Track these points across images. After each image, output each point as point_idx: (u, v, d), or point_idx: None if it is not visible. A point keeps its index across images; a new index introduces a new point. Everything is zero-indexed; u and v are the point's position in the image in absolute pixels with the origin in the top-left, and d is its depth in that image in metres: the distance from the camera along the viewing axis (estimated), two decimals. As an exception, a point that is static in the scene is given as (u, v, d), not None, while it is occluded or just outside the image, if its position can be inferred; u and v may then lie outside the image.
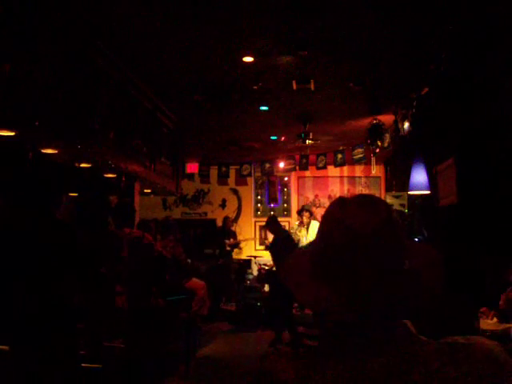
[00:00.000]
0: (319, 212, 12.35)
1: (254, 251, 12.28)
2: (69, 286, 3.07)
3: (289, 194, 12.83)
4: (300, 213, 10.61)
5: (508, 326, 3.92)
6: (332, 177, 12.45)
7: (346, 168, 11.79)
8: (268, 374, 1.03)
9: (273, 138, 9.66)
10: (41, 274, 2.92)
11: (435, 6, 4.37)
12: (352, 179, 12.58)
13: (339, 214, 1.04)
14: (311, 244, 1.16)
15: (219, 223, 11.94)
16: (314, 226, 10.19)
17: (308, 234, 10.06)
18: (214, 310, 9.58)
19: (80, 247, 3.17)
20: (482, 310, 4.17)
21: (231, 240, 10.96)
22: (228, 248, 10.80)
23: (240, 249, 11.30)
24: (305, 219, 10.20)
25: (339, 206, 1.06)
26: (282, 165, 11.13)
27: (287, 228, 11.90)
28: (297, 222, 10.77)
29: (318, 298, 1.03)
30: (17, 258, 2.95)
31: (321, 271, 1.04)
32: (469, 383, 0.94)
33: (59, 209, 3.32)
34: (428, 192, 6.51)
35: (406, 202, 8.50)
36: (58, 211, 3.28)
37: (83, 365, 3.23)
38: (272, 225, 8.12)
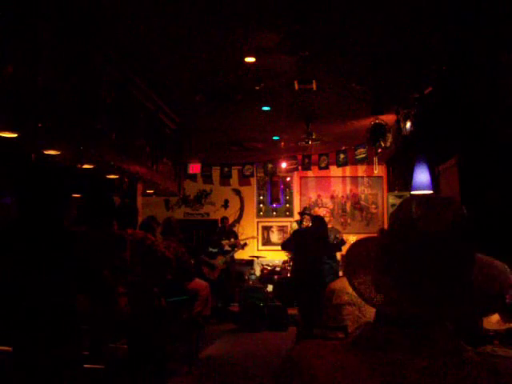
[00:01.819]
0: (321, 212, 12.31)
1: (257, 251, 12.28)
2: (71, 287, 3.07)
3: (291, 195, 12.82)
4: (302, 215, 10.57)
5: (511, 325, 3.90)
6: (334, 177, 12.44)
7: (348, 168, 11.77)
8: (300, 363, 1.02)
9: (275, 138, 9.66)
10: (43, 276, 2.93)
11: (438, 7, 4.37)
12: (354, 179, 12.56)
13: (412, 213, 1.03)
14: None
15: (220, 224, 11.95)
16: None
17: None
18: (221, 311, 9.60)
19: (82, 250, 3.17)
20: None
21: (231, 240, 10.96)
22: (228, 248, 10.80)
23: (243, 249, 11.28)
24: (305, 222, 10.18)
25: (413, 204, 1.05)
26: (284, 165, 11.12)
27: (289, 228, 11.92)
28: (295, 222, 10.76)
29: (378, 288, 1.03)
30: (20, 260, 2.95)
31: (385, 264, 1.05)
32: None
33: (66, 213, 3.32)
34: (430, 192, 6.49)
35: (408, 202, 8.46)
36: (65, 216, 3.28)
37: (86, 365, 3.23)
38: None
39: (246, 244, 11.26)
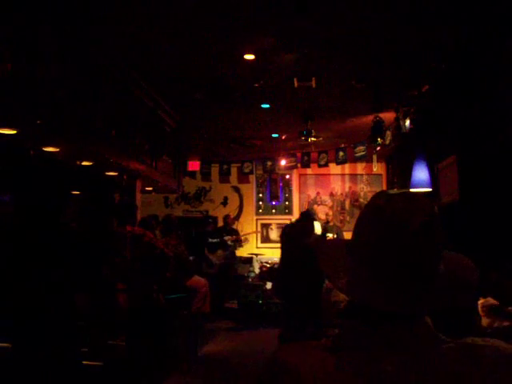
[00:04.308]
0: (321, 210, 12.34)
1: (256, 249, 12.28)
2: (70, 284, 3.07)
3: (290, 192, 12.82)
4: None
5: (509, 323, 3.91)
6: (334, 174, 12.44)
7: (347, 165, 11.77)
8: (282, 364, 1.02)
9: (274, 135, 9.66)
10: (42, 273, 2.93)
11: (437, 5, 4.36)
12: (354, 177, 12.56)
13: (385, 207, 1.04)
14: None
15: (220, 221, 11.94)
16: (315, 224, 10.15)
17: None
18: (217, 308, 9.59)
19: (82, 247, 3.17)
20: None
21: (233, 237, 10.97)
22: (230, 243, 10.80)
23: (241, 246, 11.29)
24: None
25: (384, 199, 1.06)
26: (283, 162, 11.12)
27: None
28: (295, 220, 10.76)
29: (355, 285, 1.03)
30: (18, 258, 2.96)
31: (360, 260, 1.05)
32: None
33: (65, 210, 3.32)
34: (430, 189, 6.50)
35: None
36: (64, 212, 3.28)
37: (85, 362, 3.23)
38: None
39: (246, 240, 11.24)
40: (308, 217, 8.29)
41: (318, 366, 0.98)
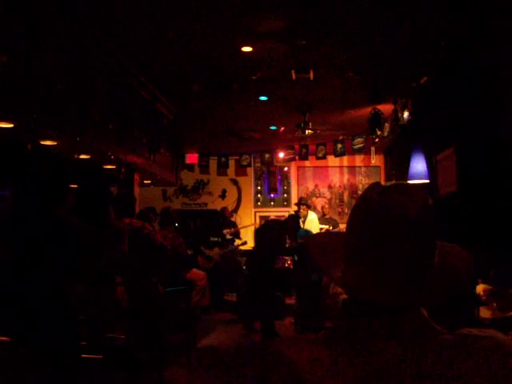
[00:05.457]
0: (319, 202, 12.35)
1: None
2: (69, 278, 3.07)
3: (289, 184, 12.83)
4: (299, 205, 10.60)
5: (508, 313, 3.92)
6: (332, 166, 12.44)
7: (345, 158, 11.75)
8: (278, 356, 1.02)
9: (272, 127, 9.64)
10: (41, 267, 2.93)
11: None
12: (352, 169, 12.57)
13: (379, 199, 1.04)
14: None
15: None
16: (311, 216, 10.17)
17: (305, 225, 10.01)
18: (216, 301, 9.61)
19: (80, 242, 3.17)
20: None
21: (231, 229, 10.97)
22: (229, 236, 10.80)
23: (240, 238, 11.28)
24: (302, 211, 10.20)
25: (378, 191, 1.06)
26: (281, 155, 11.11)
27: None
28: (293, 212, 10.77)
29: (350, 277, 1.03)
30: (18, 251, 2.96)
31: (356, 252, 1.05)
32: (481, 376, 0.93)
33: (64, 204, 3.31)
34: (428, 181, 6.50)
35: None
36: (63, 206, 3.27)
37: (84, 356, 3.24)
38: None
39: (245, 242, 11.17)
40: (292, 219, 8.39)
41: (314, 358, 0.98)
